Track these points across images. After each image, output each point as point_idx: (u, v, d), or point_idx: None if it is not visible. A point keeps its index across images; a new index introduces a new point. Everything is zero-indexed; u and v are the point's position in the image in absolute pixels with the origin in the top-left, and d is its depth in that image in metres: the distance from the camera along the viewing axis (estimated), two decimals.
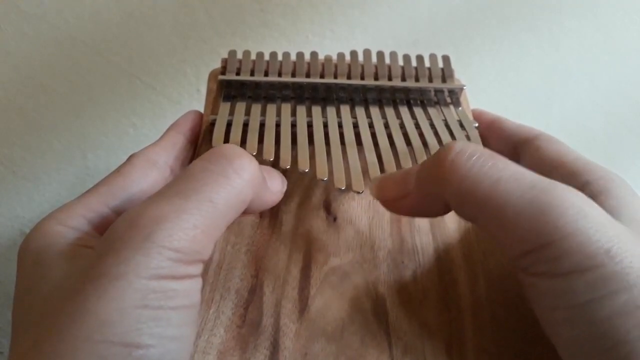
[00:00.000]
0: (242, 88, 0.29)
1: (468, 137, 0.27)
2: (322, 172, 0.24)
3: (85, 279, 0.16)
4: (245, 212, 0.20)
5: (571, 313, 0.16)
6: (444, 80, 0.30)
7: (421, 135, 0.27)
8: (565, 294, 0.16)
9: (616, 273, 0.16)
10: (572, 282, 0.16)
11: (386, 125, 0.28)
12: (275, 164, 0.24)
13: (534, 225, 0.17)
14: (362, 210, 0.25)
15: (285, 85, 0.29)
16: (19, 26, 0.42)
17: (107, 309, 0.15)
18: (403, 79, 0.30)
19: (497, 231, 0.18)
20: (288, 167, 0.24)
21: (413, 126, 0.28)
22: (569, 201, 0.17)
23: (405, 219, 0.25)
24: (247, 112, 0.28)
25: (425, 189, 0.20)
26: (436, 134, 0.27)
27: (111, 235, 0.16)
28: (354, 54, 0.31)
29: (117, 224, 0.17)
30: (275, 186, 0.22)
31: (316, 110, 0.28)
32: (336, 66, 0.30)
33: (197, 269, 0.17)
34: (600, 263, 0.16)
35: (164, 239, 0.16)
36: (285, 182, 0.23)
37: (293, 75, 0.30)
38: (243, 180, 0.18)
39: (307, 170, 0.24)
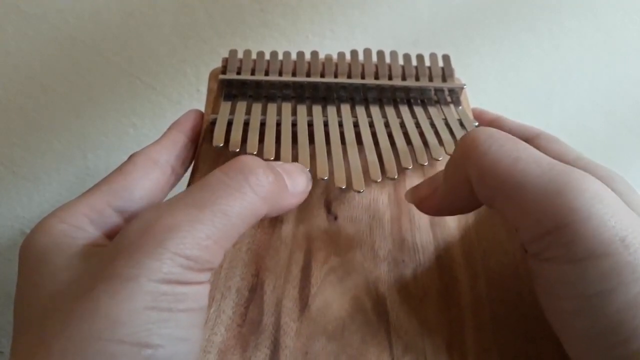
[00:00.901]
0: (242, 87, 0.29)
1: None
2: (322, 171, 0.24)
3: (96, 279, 0.16)
4: (265, 217, 0.20)
5: (581, 303, 0.16)
6: (444, 80, 0.30)
7: (421, 134, 0.27)
8: (576, 283, 0.16)
9: (629, 264, 0.15)
10: (584, 269, 0.16)
11: (386, 125, 0.28)
12: None
13: (550, 206, 0.16)
14: (363, 209, 0.25)
15: (285, 85, 0.29)
16: (19, 26, 0.42)
17: (117, 309, 0.15)
18: (403, 78, 0.30)
19: (513, 212, 0.18)
20: None
21: (413, 125, 0.28)
22: (586, 184, 0.17)
23: (405, 218, 0.25)
24: (248, 112, 0.28)
25: (452, 178, 0.20)
26: (436, 133, 0.27)
27: (124, 239, 0.17)
28: (354, 53, 0.31)
29: (131, 228, 0.17)
30: (298, 187, 0.22)
31: (317, 109, 0.28)
32: (337, 65, 0.30)
33: (207, 275, 0.17)
34: (615, 251, 0.15)
35: (176, 247, 0.16)
36: (311, 181, 0.23)
37: (294, 74, 0.30)
38: (258, 197, 0.18)
39: (307, 170, 0.24)
